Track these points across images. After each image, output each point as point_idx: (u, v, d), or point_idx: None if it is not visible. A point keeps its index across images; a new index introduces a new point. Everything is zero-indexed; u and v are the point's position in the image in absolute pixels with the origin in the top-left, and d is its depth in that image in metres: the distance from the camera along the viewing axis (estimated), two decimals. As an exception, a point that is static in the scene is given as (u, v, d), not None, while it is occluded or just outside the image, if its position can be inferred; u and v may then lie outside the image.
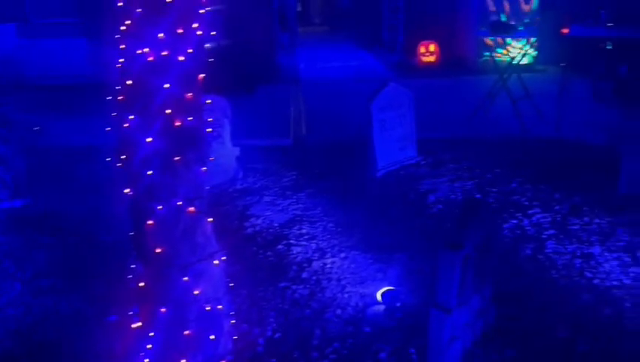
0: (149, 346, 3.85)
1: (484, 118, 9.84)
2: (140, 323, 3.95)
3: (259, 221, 6.33)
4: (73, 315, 4.65)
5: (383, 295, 4.47)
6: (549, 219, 6.07)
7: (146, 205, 3.78)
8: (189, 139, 3.85)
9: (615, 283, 4.89)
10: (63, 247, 5.69)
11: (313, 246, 5.75)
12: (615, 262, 5.20)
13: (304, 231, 6.09)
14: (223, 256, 4.09)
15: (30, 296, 4.95)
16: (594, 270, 5.09)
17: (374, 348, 4.15)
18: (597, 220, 5.99)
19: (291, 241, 5.86)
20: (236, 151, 7.49)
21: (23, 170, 6.49)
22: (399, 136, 7.74)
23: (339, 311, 4.65)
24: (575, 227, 5.87)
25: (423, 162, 7.91)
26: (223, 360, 4.07)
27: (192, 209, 3.84)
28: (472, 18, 15.21)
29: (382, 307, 4.51)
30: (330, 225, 6.22)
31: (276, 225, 6.25)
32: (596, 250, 5.42)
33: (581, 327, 4.28)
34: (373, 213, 6.47)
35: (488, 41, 14.44)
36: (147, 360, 3.90)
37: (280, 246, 5.75)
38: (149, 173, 3.68)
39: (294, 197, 6.98)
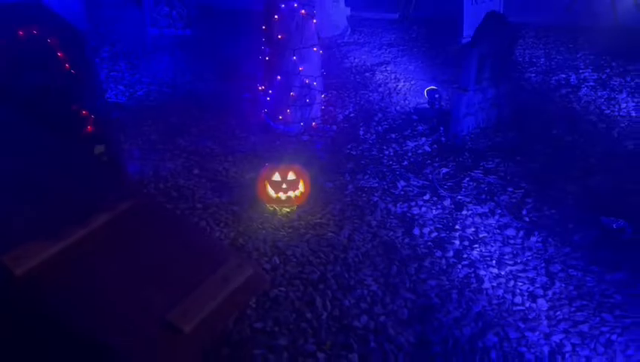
0: (268, 99, 6.06)
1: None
2: (263, 87, 6.15)
3: (355, 60, 8.22)
4: (223, 93, 6.97)
5: (427, 92, 6.22)
6: (595, 77, 7.22)
7: (274, 4, 5.82)
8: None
9: (623, 113, 6.14)
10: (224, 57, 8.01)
11: (392, 76, 7.56)
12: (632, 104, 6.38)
13: (388, 68, 7.88)
14: (321, 50, 6.08)
15: (196, 82, 7.40)
16: (610, 104, 6.34)
17: (415, 124, 6.00)
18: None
19: (376, 73, 7.70)
20: (347, 10, 9.29)
21: (194, 7, 8.89)
22: (487, 9, 8.94)
23: (398, 108, 6.51)
24: (604, 76, 7.02)
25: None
26: (314, 121, 6.16)
27: (303, 11, 5.81)
28: None
29: (427, 105, 6.27)
30: (410, 67, 7.93)
31: (368, 64, 8.10)
32: (623, 96, 6.59)
33: (576, 132, 5.72)
34: (448, 64, 8.02)
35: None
36: (266, 110, 6.13)
37: (367, 74, 7.64)
38: (278, -18, 5.69)
39: (388, 50, 8.71)
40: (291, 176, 4.49)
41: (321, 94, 6.25)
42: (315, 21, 5.99)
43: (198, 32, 8.89)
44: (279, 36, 5.88)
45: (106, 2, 9.17)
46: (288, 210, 4.51)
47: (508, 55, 5.55)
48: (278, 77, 5.98)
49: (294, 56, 5.91)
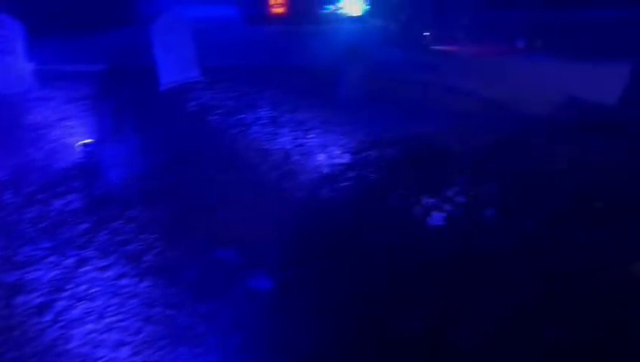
0: None
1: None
2: None
3: (32, 116, 7.71)
4: None
5: (83, 145, 6.09)
6: (270, 115, 7.91)
7: None
8: None
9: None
10: None
11: (69, 131, 7.21)
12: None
13: (69, 123, 7.51)
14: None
15: None
16: (271, 140, 6.97)
17: (71, 180, 5.78)
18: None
19: (54, 128, 7.30)
20: (31, 66, 8.73)
21: None
22: (177, 59, 9.24)
23: (61, 163, 6.20)
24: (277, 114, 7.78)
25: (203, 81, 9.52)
26: None
27: None
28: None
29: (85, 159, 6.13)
30: (91, 120, 7.67)
31: (49, 120, 7.65)
32: (284, 131, 7.30)
33: (230, 169, 6.10)
34: (145, 114, 7.96)
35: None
36: None
37: (42, 131, 7.20)
38: None
39: (74, 104, 8.31)
40: None
41: None
42: None
43: None
44: None
45: None
46: None
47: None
48: None
49: None
